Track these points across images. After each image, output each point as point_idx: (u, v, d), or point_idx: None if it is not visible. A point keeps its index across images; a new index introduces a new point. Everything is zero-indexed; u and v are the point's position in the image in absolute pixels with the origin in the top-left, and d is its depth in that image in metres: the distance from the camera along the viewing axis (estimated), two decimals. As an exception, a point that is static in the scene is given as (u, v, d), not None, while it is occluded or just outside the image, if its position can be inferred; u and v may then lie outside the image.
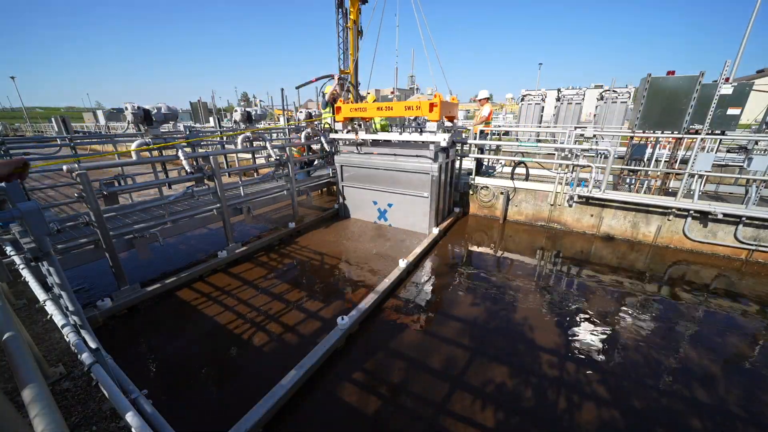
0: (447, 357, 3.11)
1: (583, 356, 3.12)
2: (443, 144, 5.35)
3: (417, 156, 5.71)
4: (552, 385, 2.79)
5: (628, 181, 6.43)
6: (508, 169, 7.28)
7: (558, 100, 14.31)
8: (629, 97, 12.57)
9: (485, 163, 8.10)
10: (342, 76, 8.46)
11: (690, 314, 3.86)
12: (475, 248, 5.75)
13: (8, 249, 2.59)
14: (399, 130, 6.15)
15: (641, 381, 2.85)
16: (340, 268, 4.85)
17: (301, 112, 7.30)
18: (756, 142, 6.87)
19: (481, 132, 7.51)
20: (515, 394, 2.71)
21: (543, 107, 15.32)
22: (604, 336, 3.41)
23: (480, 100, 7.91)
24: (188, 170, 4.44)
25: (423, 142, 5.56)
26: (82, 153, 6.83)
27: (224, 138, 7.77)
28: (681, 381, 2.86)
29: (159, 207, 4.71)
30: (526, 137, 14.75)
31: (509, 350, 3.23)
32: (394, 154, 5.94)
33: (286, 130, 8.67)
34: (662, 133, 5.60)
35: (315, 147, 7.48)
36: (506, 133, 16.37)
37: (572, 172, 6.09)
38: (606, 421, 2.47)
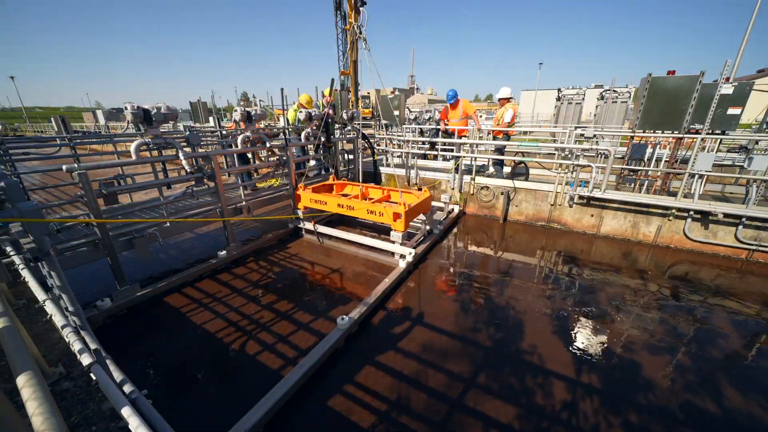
0: (448, 361, 3.10)
1: (584, 358, 3.12)
2: (408, 259, 4.62)
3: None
4: (558, 394, 2.79)
5: (628, 182, 6.42)
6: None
7: (558, 99, 14.30)
8: (629, 97, 12.56)
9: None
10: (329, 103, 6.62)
11: (691, 315, 3.86)
12: (476, 248, 5.75)
13: (8, 249, 2.58)
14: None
15: (642, 384, 2.85)
16: (340, 268, 4.85)
17: (236, 110, 5.56)
18: (756, 142, 6.87)
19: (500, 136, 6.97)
20: (517, 407, 2.71)
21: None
22: (606, 339, 3.41)
23: (500, 100, 7.04)
24: (188, 170, 4.44)
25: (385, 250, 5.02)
26: (81, 153, 6.83)
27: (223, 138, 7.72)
28: (682, 383, 2.86)
29: (158, 207, 4.71)
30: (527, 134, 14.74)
31: (511, 354, 3.23)
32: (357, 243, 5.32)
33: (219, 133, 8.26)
34: (662, 133, 5.60)
35: (262, 154, 6.50)
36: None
37: (572, 172, 6.08)
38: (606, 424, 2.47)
